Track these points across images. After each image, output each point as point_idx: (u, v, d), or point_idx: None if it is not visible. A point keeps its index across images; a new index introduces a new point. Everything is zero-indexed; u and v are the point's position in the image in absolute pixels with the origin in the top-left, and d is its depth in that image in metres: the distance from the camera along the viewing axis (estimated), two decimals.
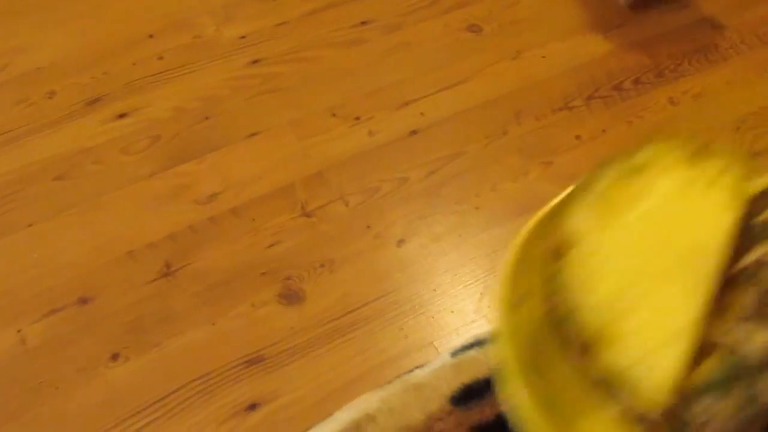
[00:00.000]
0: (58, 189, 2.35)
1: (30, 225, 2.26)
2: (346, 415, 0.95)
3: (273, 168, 2.40)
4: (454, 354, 1.02)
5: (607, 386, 0.68)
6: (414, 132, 2.52)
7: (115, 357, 1.97)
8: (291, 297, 2.07)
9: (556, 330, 0.71)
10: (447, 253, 2.21)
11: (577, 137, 2.50)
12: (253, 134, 2.49)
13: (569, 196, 0.81)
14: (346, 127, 2.52)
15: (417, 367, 1.02)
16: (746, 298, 0.70)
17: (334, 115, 2.55)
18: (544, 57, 2.71)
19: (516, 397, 0.74)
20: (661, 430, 0.66)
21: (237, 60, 2.72)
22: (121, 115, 2.55)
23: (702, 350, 0.69)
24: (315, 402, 1.06)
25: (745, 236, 0.75)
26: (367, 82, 2.65)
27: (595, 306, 0.71)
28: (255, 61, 2.71)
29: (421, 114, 2.57)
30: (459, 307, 2.07)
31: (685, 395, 0.67)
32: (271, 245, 2.19)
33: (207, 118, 2.54)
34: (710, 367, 0.68)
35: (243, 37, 2.78)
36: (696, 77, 2.65)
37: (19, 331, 2.02)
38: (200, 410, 1.86)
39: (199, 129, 2.51)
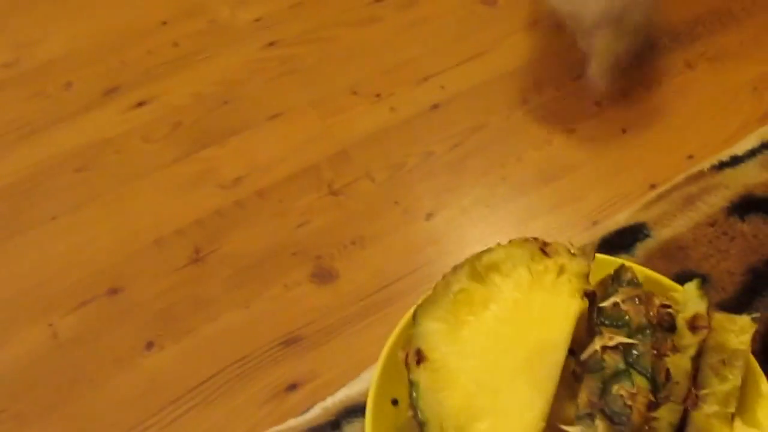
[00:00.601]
0: (81, 180, 2.30)
1: (54, 218, 2.20)
2: (374, 373, 0.96)
3: (296, 148, 2.35)
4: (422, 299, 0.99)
5: None
6: (435, 106, 2.47)
7: (149, 346, 1.91)
8: (323, 276, 2.02)
9: None
10: (476, 225, 2.15)
11: (597, 104, 2.44)
12: (275, 116, 2.44)
13: (425, 302, 0.83)
14: (368, 105, 2.48)
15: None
16: (592, 385, 0.74)
17: (354, 93, 2.51)
18: (560, 26, 2.60)
19: None
20: None
21: (253, 43, 2.67)
22: (140, 104, 2.50)
23: None
24: (354, 379, 1.03)
25: (592, 324, 0.79)
26: (385, 59, 2.61)
27: (450, 412, 0.74)
28: (271, 44, 2.67)
29: (442, 87, 2.52)
30: None
31: None
32: (300, 225, 2.14)
33: (226, 103, 2.49)
34: None
35: (258, 19, 2.74)
36: (711, 40, 2.60)
37: (50, 325, 1.97)
38: (239, 394, 1.80)
39: (220, 113, 2.46)
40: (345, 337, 1.89)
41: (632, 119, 2.38)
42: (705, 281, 1.00)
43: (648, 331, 0.75)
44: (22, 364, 1.90)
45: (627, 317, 0.76)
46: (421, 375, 0.76)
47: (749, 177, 1.11)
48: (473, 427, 0.73)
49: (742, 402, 0.76)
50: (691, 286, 0.81)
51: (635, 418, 0.69)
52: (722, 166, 1.14)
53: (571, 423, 0.73)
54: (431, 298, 0.84)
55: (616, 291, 0.79)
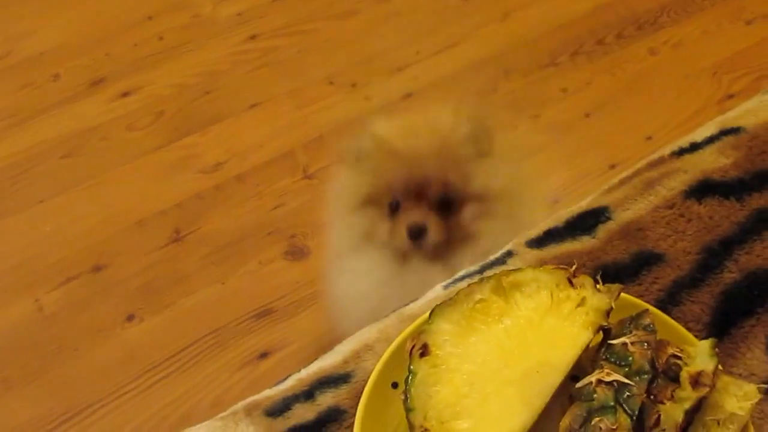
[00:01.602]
0: (67, 166, 2.28)
1: (41, 201, 2.18)
2: (346, 346, 0.95)
3: (274, 136, 2.33)
4: (446, 286, 1.02)
5: None
6: (409, 95, 2.45)
7: (130, 318, 1.91)
8: (296, 253, 2.02)
9: (406, 417, 0.73)
10: None
11: (563, 90, 2.44)
12: (254, 105, 2.42)
13: (444, 303, 0.79)
14: (344, 94, 2.45)
15: (412, 301, 1.01)
16: (577, 413, 0.70)
17: (331, 83, 2.48)
18: (530, 18, 2.65)
19: None
20: None
21: (235, 36, 2.65)
22: (125, 94, 2.47)
23: None
24: (324, 346, 1.01)
25: (597, 357, 0.76)
26: (362, 50, 2.59)
27: (436, 404, 0.73)
28: (252, 37, 2.64)
29: (415, 78, 2.50)
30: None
31: None
32: (276, 207, 2.13)
33: (208, 93, 2.46)
34: None
35: (239, 14, 2.71)
36: (674, 28, 2.60)
37: (36, 300, 1.96)
38: (214, 361, 1.82)
39: (201, 103, 2.44)
40: (315, 309, 1.89)
41: (596, 104, 2.38)
42: (661, 259, 0.97)
43: (646, 376, 0.71)
44: (8, 335, 1.91)
45: (631, 358, 0.73)
46: (420, 366, 0.75)
47: (707, 162, 1.08)
48: (455, 423, 0.72)
49: None
50: (706, 344, 0.77)
51: None
52: (682, 152, 1.11)
53: None
54: (451, 301, 0.79)
55: (630, 332, 0.75)
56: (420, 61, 2.55)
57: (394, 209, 1.35)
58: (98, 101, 2.46)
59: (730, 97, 2.32)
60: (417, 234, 1.32)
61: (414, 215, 1.32)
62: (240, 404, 0.88)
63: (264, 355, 1.82)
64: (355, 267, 1.43)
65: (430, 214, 1.33)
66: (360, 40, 2.61)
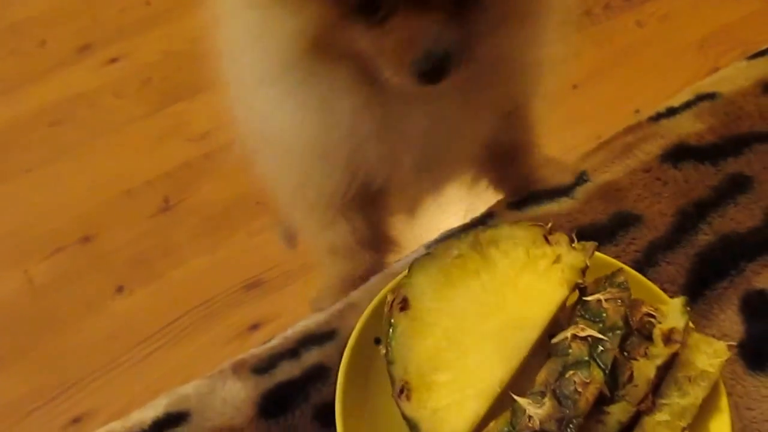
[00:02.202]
0: (54, 134, 2.29)
1: (29, 170, 2.19)
2: (333, 306, 0.97)
3: None
4: (428, 246, 1.04)
5: (413, 426, 0.72)
6: None
7: (120, 290, 1.92)
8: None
9: (387, 370, 0.75)
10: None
11: None
12: None
13: (423, 258, 0.81)
14: None
15: (396, 261, 1.03)
16: (552, 368, 0.73)
17: None
18: None
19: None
20: None
21: None
22: (112, 60, 2.48)
23: (500, 410, 0.72)
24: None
25: (573, 314, 0.78)
26: None
27: (416, 357, 0.75)
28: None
29: None
30: (444, 226, 2.01)
31: None
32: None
33: (196, 60, 2.43)
34: (494, 428, 0.71)
35: None
36: (662, 1, 2.60)
37: (25, 272, 1.97)
38: (205, 333, 1.82)
39: (189, 70, 2.39)
40: (305, 281, 1.89)
41: (583, 76, 2.38)
42: (638, 220, 1.00)
43: (619, 332, 0.75)
44: None
45: (604, 315, 0.76)
46: (401, 320, 0.78)
47: (683, 127, 1.11)
48: (434, 376, 0.75)
49: (699, 414, 0.77)
50: (677, 302, 0.79)
51: (581, 404, 0.70)
52: (659, 117, 1.14)
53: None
54: (430, 256, 0.82)
55: (604, 290, 0.79)
56: None
57: (372, 8, 0.79)
58: (85, 68, 2.46)
59: (717, 70, 2.31)
60: (439, 58, 0.78)
61: (427, 24, 0.78)
62: (227, 363, 0.91)
63: (255, 327, 1.83)
64: (295, 98, 0.92)
65: (449, 20, 0.79)
66: None
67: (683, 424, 0.75)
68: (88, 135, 2.27)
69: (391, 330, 0.77)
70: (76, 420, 1.71)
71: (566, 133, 2.17)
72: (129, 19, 2.59)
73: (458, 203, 2.08)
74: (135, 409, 0.88)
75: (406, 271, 0.82)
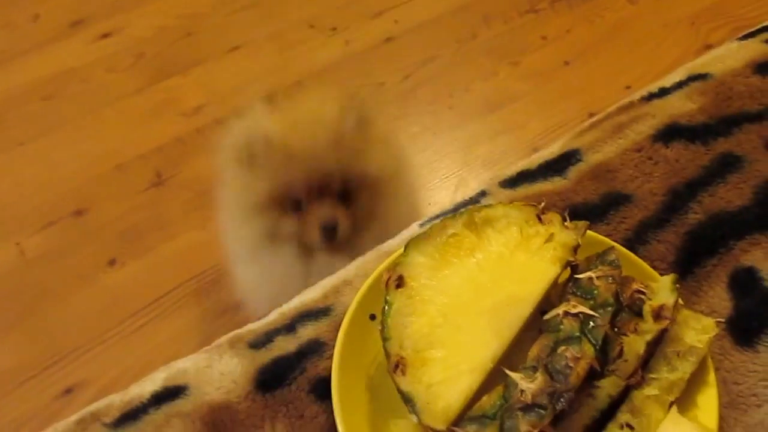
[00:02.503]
0: (47, 108, 2.29)
1: (21, 144, 2.19)
2: (327, 281, 1.01)
3: (255, 79, 2.34)
4: (422, 224, 1.06)
5: (408, 400, 0.74)
6: (389, 39, 2.47)
7: (112, 263, 1.92)
8: None
9: (383, 346, 0.78)
10: (423, 150, 2.17)
11: (543, 38, 2.47)
12: (235, 48, 2.43)
13: (419, 236, 0.85)
14: (324, 38, 2.47)
15: (390, 240, 1.06)
16: (544, 343, 0.75)
17: (311, 26, 2.50)
18: None
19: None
20: None
21: None
22: (105, 35, 2.48)
23: (493, 384, 0.74)
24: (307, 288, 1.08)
25: (564, 291, 0.80)
26: None
27: (412, 333, 0.77)
28: None
29: (395, 22, 2.52)
30: (435, 199, 2.04)
31: (462, 419, 0.73)
32: None
33: (189, 35, 2.47)
34: (487, 402, 0.73)
35: None
36: None
37: (17, 244, 1.97)
38: (196, 307, 1.82)
39: (182, 45, 2.44)
40: None
41: (575, 52, 2.40)
42: (629, 200, 1.01)
43: (610, 308, 0.77)
44: None
45: (596, 292, 0.78)
46: (396, 297, 0.79)
47: (675, 107, 1.12)
48: (429, 352, 0.76)
49: (687, 388, 0.79)
50: (667, 279, 0.82)
51: (573, 379, 0.71)
52: (651, 97, 1.15)
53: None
54: (425, 235, 0.84)
55: (596, 267, 0.81)
56: (400, 5, 2.57)
57: (297, 207, 1.35)
58: (78, 42, 2.46)
59: (708, 47, 2.33)
60: (330, 229, 1.34)
61: (323, 211, 1.34)
62: (224, 337, 0.93)
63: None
64: (260, 266, 1.44)
65: (337, 206, 1.35)
66: None
67: (672, 398, 0.77)
68: (80, 109, 2.27)
69: (386, 307, 0.79)
70: (68, 390, 1.71)
71: (558, 108, 2.20)
72: None
73: (449, 178, 2.11)
74: (126, 381, 0.89)
75: (402, 249, 0.83)
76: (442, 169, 2.13)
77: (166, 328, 1.80)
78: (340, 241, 1.36)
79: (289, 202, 1.35)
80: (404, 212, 1.43)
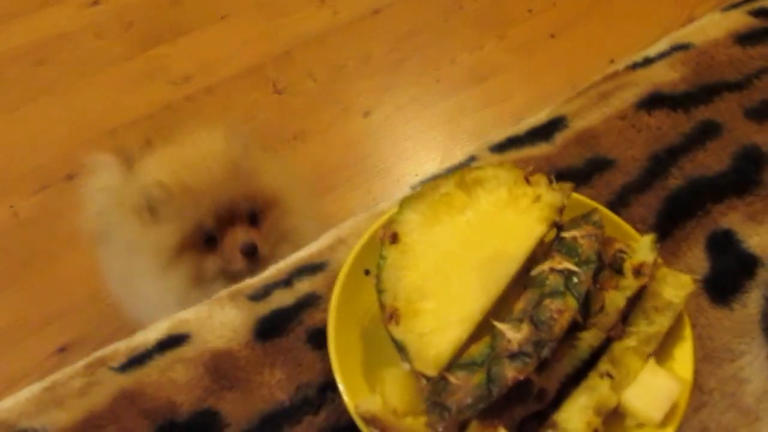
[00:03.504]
0: (39, 73, 2.31)
1: (15, 109, 2.22)
2: (323, 240, 1.04)
3: (244, 49, 2.37)
4: (414, 187, 1.07)
5: (401, 349, 0.78)
6: (377, 11, 2.49)
7: None
8: None
9: (378, 298, 0.82)
10: (410, 122, 2.20)
11: (529, 10, 2.50)
12: (223, 17, 2.45)
13: (412, 195, 0.89)
14: (312, 8, 2.49)
15: (383, 202, 1.08)
16: (530, 297, 0.79)
17: None
18: None
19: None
20: (435, 386, 0.76)
21: None
22: (95, 2, 2.50)
23: (481, 335, 0.79)
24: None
25: (550, 250, 0.84)
26: None
27: (405, 286, 0.82)
28: None
29: None
30: (422, 170, 2.07)
31: (452, 365, 0.77)
32: (246, 121, 2.17)
33: (177, 3, 2.49)
34: (476, 350, 0.77)
35: None
36: None
37: (11, 207, 2.00)
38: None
39: (171, 14, 2.46)
40: None
41: (561, 25, 2.43)
42: (612, 165, 1.05)
43: (592, 265, 0.80)
44: None
45: (580, 250, 0.82)
46: (390, 252, 0.83)
47: (658, 76, 1.16)
48: (421, 303, 0.80)
49: (665, 342, 0.83)
50: (647, 239, 0.87)
51: (556, 329, 0.75)
52: (635, 66, 1.19)
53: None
54: (418, 194, 0.88)
55: (580, 227, 0.85)
56: None
57: (212, 243, 1.38)
58: (69, 8, 2.48)
59: (693, 19, 2.36)
60: (251, 252, 1.36)
61: (239, 236, 1.37)
62: (223, 291, 0.96)
63: None
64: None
65: (250, 229, 1.39)
66: None
67: (649, 349, 0.82)
68: (72, 75, 2.29)
69: (381, 261, 0.83)
70: (62, 349, 1.75)
71: (543, 80, 2.23)
72: None
73: (435, 150, 2.14)
74: (119, 340, 0.93)
75: (397, 207, 0.87)
76: (428, 141, 2.16)
77: None
78: (263, 261, 1.37)
79: (204, 240, 1.37)
80: (313, 219, 1.50)
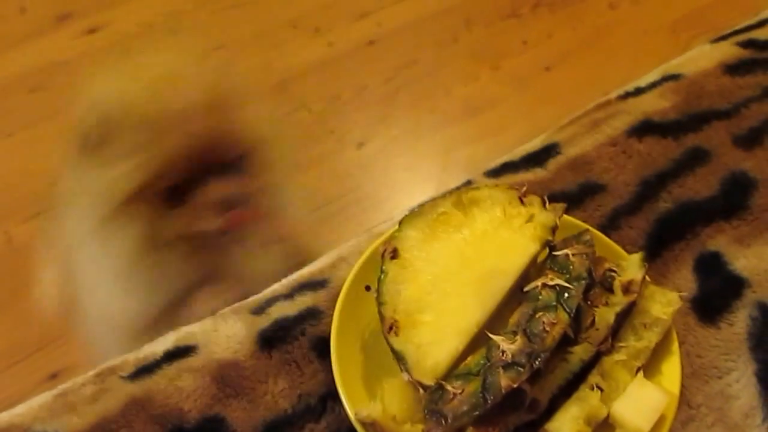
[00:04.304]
0: (35, 100, 2.36)
1: (10, 135, 2.27)
2: (325, 258, 1.07)
3: (237, 79, 2.36)
4: (411, 210, 1.07)
5: (400, 358, 0.83)
6: (371, 42, 2.55)
7: None
8: None
9: (378, 310, 0.87)
10: (404, 153, 2.26)
11: (524, 42, 2.55)
12: (219, 47, 2.45)
13: (412, 213, 0.95)
14: (307, 39, 2.55)
15: (382, 223, 1.14)
16: (524, 311, 0.84)
17: (294, 26, 2.57)
18: None
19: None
20: (432, 395, 0.80)
21: None
22: (91, 30, 2.55)
23: (477, 347, 0.84)
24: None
25: (543, 268, 0.89)
26: None
27: (404, 299, 0.87)
28: None
29: (378, 24, 2.60)
30: (416, 202, 2.08)
31: (449, 375, 0.82)
32: None
33: (174, 33, 2.47)
34: (472, 361, 0.82)
35: None
36: None
37: (5, 232, 2.04)
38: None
39: (167, 43, 2.46)
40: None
41: (556, 58, 2.49)
42: (604, 189, 1.10)
43: (583, 281, 0.85)
44: None
45: (571, 267, 0.87)
46: (391, 267, 0.89)
47: (649, 105, 1.22)
48: (420, 316, 0.86)
49: (653, 357, 0.88)
50: (636, 257, 0.92)
51: (548, 341, 0.80)
52: (627, 95, 1.25)
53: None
54: (417, 212, 0.94)
55: (572, 245, 0.89)
56: (383, 8, 2.64)
57: (175, 195, 1.11)
58: (65, 36, 2.53)
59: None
60: (232, 209, 1.12)
61: (220, 188, 1.12)
62: (226, 308, 1.02)
63: None
64: (143, 282, 1.18)
65: (228, 180, 1.13)
66: None
67: (638, 363, 0.87)
68: (67, 102, 2.29)
69: (382, 275, 0.89)
70: (53, 376, 1.79)
71: (537, 113, 2.26)
72: None
73: (429, 181, 2.19)
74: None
75: (397, 224, 0.94)
76: (422, 172, 2.20)
77: None
78: (239, 222, 1.14)
79: (166, 190, 1.09)
80: (286, 176, 1.28)
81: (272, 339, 0.96)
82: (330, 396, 0.92)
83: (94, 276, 1.22)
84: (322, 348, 0.94)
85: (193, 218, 1.12)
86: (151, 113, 1.06)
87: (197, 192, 1.11)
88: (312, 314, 0.99)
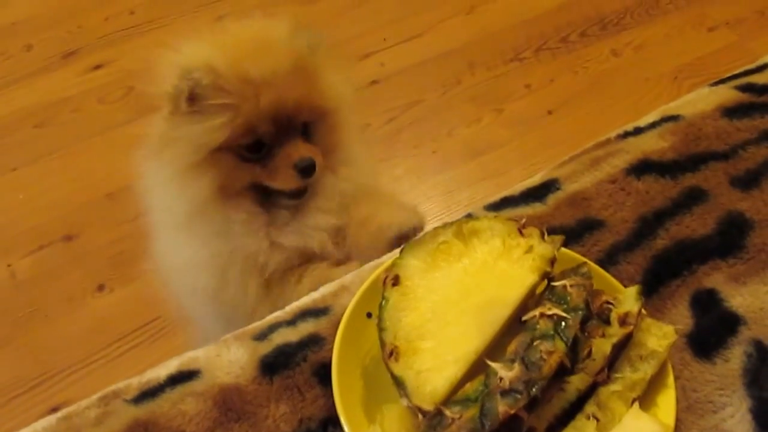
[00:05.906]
0: (39, 135, 2.38)
1: (14, 169, 2.29)
2: (327, 288, 1.09)
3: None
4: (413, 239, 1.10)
5: (400, 384, 0.85)
6: (374, 82, 2.57)
7: (100, 288, 2.01)
8: None
9: (379, 336, 0.89)
10: (406, 193, 2.27)
11: (527, 86, 2.57)
12: None
13: (414, 242, 0.96)
14: None
15: (376, 259, 1.15)
16: (522, 340, 0.86)
17: None
18: (496, 12, 2.77)
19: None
20: (431, 420, 0.81)
21: (205, 15, 2.74)
22: (96, 67, 2.58)
23: (475, 374, 0.85)
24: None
25: (541, 299, 0.91)
26: (330, 35, 2.55)
27: (405, 326, 0.89)
28: (221, 16, 2.73)
29: (382, 65, 2.62)
30: None
31: (447, 401, 0.83)
32: None
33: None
34: (470, 387, 0.84)
35: None
36: (637, 30, 2.73)
37: (9, 266, 2.06)
38: (181, 335, 1.90)
39: None
40: None
41: (558, 102, 2.51)
42: (602, 225, 1.12)
43: (580, 312, 0.87)
44: None
45: (569, 297, 0.89)
46: (392, 294, 0.91)
47: (648, 145, 1.24)
48: (420, 342, 0.88)
49: (649, 389, 0.89)
50: (632, 290, 0.94)
51: (545, 369, 0.81)
52: (626, 135, 1.28)
53: None
54: (419, 241, 0.96)
55: (569, 277, 0.92)
56: (386, 49, 2.67)
57: (256, 150, 1.20)
58: (70, 73, 2.56)
59: None
60: (308, 171, 1.21)
61: (298, 150, 1.20)
62: (229, 335, 1.04)
63: None
64: (212, 227, 1.26)
65: (306, 143, 1.23)
66: (327, 26, 2.69)
67: (634, 395, 0.89)
68: (72, 138, 2.36)
69: (384, 302, 0.91)
70: (54, 410, 1.73)
71: (539, 156, 2.29)
72: (113, 28, 2.70)
73: (431, 221, 2.20)
74: None
75: (398, 252, 0.96)
76: (424, 212, 2.20)
77: (150, 355, 1.89)
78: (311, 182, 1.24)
79: (248, 146, 1.19)
80: (356, 143, 1.35)
81: (274, 365, 0.99)
82: (330, 421, 0.94)
83: (174, 216, 1.31)
84: (323, 374, 0.97)
85: (269, 174, 1.22)
86: (243, 75, 1.14)
87: (279, 150, 1.20)
88: (314, 341, 1.01)
